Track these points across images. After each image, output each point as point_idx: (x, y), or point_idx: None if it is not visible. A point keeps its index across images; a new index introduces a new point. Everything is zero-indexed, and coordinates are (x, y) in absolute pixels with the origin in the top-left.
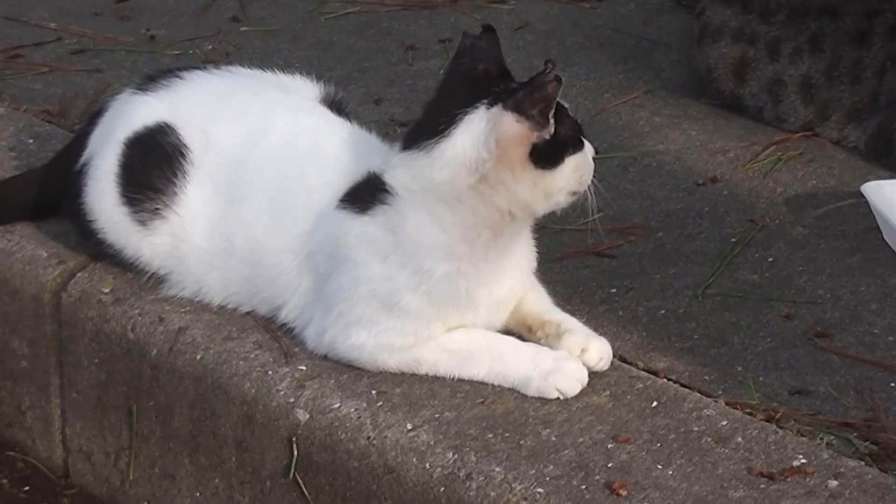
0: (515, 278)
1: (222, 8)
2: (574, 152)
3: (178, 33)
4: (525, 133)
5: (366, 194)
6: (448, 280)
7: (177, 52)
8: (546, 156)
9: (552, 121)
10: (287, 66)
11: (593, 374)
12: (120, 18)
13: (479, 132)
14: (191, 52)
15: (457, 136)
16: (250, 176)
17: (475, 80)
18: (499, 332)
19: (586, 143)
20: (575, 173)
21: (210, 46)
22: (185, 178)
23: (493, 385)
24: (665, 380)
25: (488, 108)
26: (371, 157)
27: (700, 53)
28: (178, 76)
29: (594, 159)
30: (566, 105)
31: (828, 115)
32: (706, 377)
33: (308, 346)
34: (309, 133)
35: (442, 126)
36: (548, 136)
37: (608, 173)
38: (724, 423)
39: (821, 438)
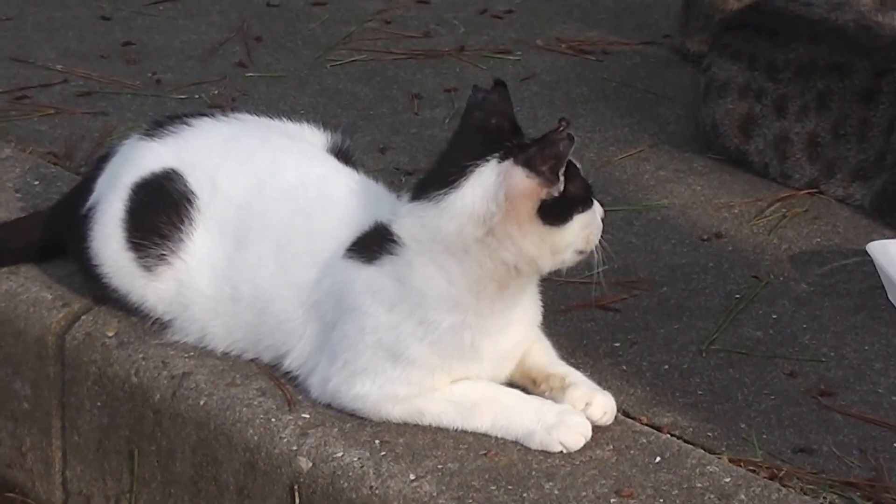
0: (521, 331)
1: (228, 53)
2: (583, 211)
3: (184, 77)
4: (534, 189)
5: (373, 244)
6: (454, 331)
7: (182, 97)
8: (554, 212)
9: (562, 178)
10: (292, 113)
11: (597, 429)
12: (126, 61)
13: (488, 185)
14: (196, 96)
15: (466, 188)
16: (257, 224)
17: (487, 133)
18: (503, 384)
19: (595, 202)
20: (583, 232)
21: (216, 91)
22: (191, 224)
23: (496, 437)
24: (669, 435)
25: (499, 162)
26: (378, 206)
27: (706, 108)
28: (185, 123)
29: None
30: (578, 164)
31: (833, 173)
32: (710, 433)
33: (312, 394)
34: (316, 182)
35: (452, 177)
36: (557, 194)
37: (613, 227)
38: (728, 479)
39: (824, 497)
